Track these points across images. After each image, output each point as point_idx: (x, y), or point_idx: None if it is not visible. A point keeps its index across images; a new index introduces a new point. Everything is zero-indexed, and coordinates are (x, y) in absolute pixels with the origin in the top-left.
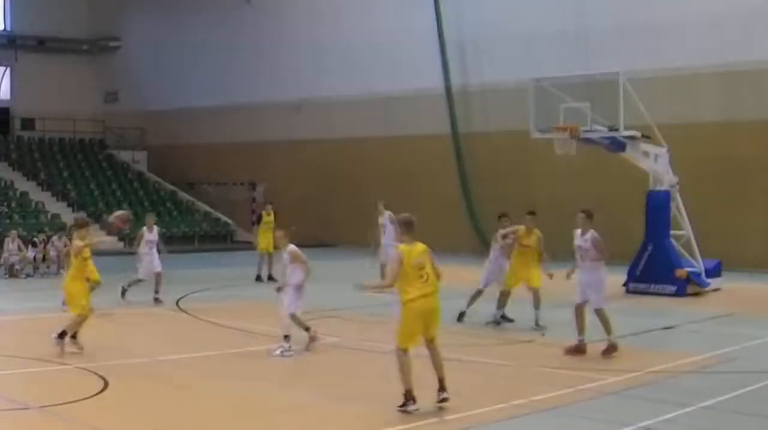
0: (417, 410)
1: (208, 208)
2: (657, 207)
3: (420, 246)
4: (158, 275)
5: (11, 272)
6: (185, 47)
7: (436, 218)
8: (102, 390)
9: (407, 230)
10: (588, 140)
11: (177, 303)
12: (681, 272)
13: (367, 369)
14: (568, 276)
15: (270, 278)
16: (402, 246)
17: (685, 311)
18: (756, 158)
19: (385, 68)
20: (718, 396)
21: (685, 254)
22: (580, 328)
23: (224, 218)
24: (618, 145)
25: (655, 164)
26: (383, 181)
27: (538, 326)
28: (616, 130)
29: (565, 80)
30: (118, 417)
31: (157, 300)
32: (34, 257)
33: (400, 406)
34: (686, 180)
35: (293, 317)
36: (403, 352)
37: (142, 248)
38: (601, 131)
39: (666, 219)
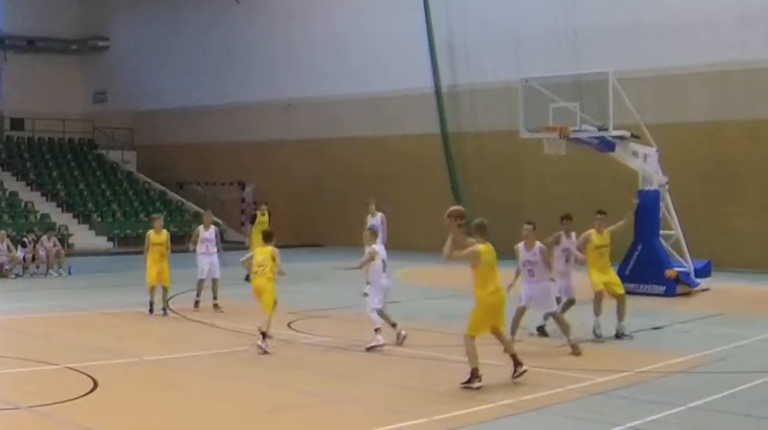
0: (480, 387)
1: (197, 208)
2: (646, 207)
3: (491, 247)
4: (214, 282)
5: (0, 272)
6: (175, 47)
7: (425, 218)
8: (91, 390)
9: (481, 232)
10: (577, 140)
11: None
12: (670, 272)
13: (358, 369)
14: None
15: None
16: (481, 246)
17: (674, 311)
18: (745, 158)
19: (375, 68)
20: (707, 396)
21: (675, 253)
22: (564, 330)
23: (214, 218)
24: (607, 145)
25: (645, 164)
26: (372, 181)
27: (624, 335)
28: (606, 129)
29: (554, 80)
30: (108, 417)
31: (216, 306)
32: (24, 257)
33: (465, 382)
34: (676, 180)
35: (379, 312)
36: (470, 339)
37: (199, 247)
38: (590, 131)
39: (655, 219)
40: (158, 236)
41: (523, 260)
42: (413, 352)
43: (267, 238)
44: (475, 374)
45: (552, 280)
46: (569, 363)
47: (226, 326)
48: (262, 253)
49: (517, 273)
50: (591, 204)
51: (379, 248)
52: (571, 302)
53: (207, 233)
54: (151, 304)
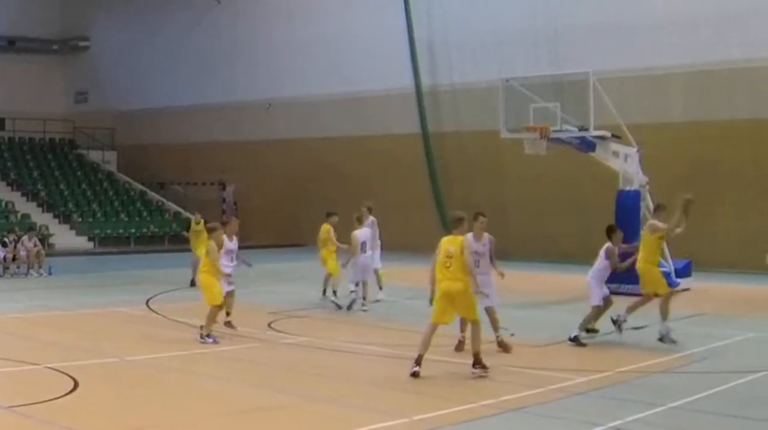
0: (415, 374)
1: (178, 209)
2: (627, 207)
3: (456, 238)
4: (228, 295)
5: None
6: (156, 47)
7: (406, 218)
8: (72, 390)
9: (456, 225)
10: (558, 140)
11: (147, 303)
12: None
13: (338, 369)
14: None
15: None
16: (444, 238)
17: (655, 311)
18: (726, 159)
19: (355, 68)
20: (688, 396)
21: None
22: (494, 326)
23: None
24: (588, 145)
25: (625, 164)
26: (353, 180)
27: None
28: (586, 129)
29: (535, 80)
30: (89, 417)
31: (228, 324)
32: (4, 257)
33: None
34: (656, 180)
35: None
36: (431, 325)
37: (223, 259)
38: (571, 131)
39: (636, 219)
40: (231, 242)
41: (472, 250)
42: (394, 352)
43: (209, 231)
44: (417, 361)
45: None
46: (550, 363)
47: None
48: (202, 251)
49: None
50: (572, 204)
51: (358, 232)
52: None
53: (231, 244)
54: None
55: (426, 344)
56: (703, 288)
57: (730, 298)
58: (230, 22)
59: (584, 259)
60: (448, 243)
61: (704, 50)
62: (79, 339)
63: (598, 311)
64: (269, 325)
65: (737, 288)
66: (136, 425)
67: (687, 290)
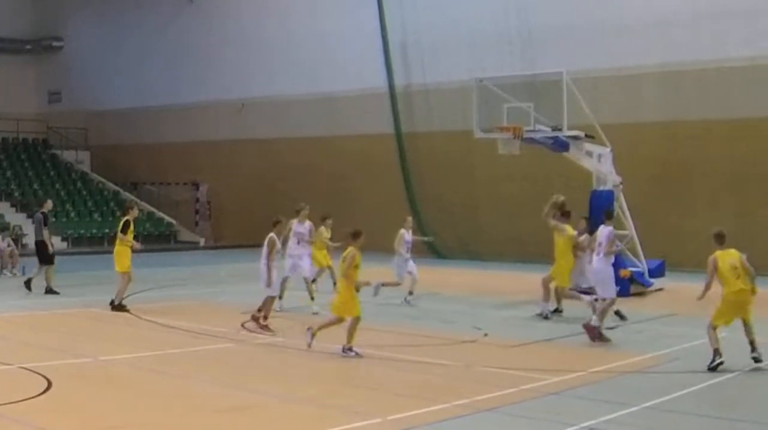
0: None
1: (151, 208)
2: (601, 207)
3: (734, 252)
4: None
5: None
6: (129, 47)
7: (379, 218)
8: (45, 390)
9: (720, 241)
10: (531, 140)
11: (119, 304)
12: (624, 272)
13: (312, 369)
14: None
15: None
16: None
17: (628, 310)
18: (699, 158)
19: (328, 68)
20: (661, 396)
21: (629, 254)
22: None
23: (168, 218)
24: (561, 145)
25: (599, 164)
26: (326, 180)
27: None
28: (560, 129)
29: (508, 80)
30: (63, 417)
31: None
32: None
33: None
34: (629, 180)
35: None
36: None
37: (291, 242)
38: (544, 131)
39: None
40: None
41: (406, 240)
42: (368, 352)
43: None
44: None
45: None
46: (523, 363)
47: (180, 325)
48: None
49: None
50: (545, 204)
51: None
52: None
53: (301, 227)
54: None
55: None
56: (676, 288)
57: (704, 298)
58: (203, 23)
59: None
60: None
61: (677, 50)
62: (53, 339)
63: (611, 301)
64: (242, 325)
65: (711, 289)
66: (110, 425)
67: (660, 289)
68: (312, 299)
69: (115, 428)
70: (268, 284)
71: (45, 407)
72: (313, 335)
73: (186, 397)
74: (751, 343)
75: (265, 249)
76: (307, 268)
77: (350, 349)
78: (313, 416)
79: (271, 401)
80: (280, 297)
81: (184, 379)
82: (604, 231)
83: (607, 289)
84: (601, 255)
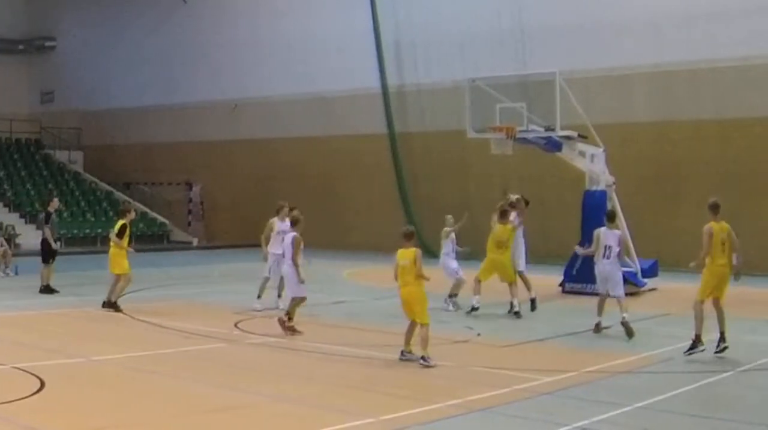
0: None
1: (144, 208)
2: (593, 207)
3: (725, 226)
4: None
5: None
6: (122, 47)
7: (372, 218)
8: (38, 390)
9: (715, 212)
10: (524, 140)
11: (111, 303)
12: None
13: (304, 369)
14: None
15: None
16: (713, 223)
17: (615, 311)
18: (691, 158)
19: (321, 68)
20: (654, 396)
21: (622, 254)
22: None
23: (160, 218)
24: (554, 145)
25: (592, 164)
26: (319, 181)
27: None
28: (552, 130)
29: (501, 80)
30: (56, 417)
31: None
32: None
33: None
34: (622, 180)
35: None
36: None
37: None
38: (537, 131)
39: (602, 219)
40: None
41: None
42: (359, 352)
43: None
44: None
45: None
46: (516, 363)
47: (172, 325)
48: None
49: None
50: (538, 204)
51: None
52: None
53: (283, 225)
54: None
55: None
56: (669, 288)
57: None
58: (196, 23)
59: (550, 259)
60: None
61: (669, 50)
62: (46, 339)
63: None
64: (236, 325)
65: None
66: (102, 425)
67: (653, 289)
68: (259, 297)
69: (108, 428)
70: (301, 283)
71: (38, 407)
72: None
73: (178, 397)
74: (721, 334)
75: (290, 249)
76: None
77: (422, 358)
78: (306, 416)
79: (264, 401)
80: (259, 296)
81: (177, 379)
82: (611, 235)
83: (619, 288)
84: (613, 258)
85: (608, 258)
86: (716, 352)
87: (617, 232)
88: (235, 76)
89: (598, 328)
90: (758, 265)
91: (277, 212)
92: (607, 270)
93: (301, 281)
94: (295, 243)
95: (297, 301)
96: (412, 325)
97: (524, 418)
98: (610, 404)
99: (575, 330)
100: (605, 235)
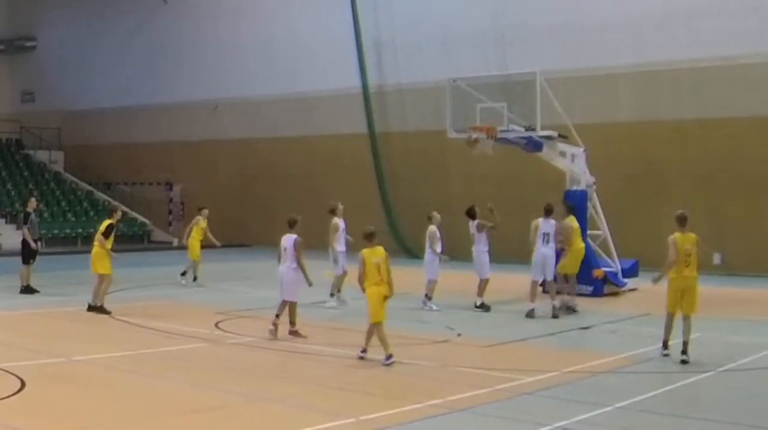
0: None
1: (125, 208)
2: (574, 207)
3: (693, 237)
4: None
5: None
6: (103, 47)
7: (353, 218)
8: (19, 390)
9: (682, 224)
10: (505, 140)
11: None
12: (598, 272)
13: (285, 369)
14: None
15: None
16: (678, 234)
17: (601, 311)
18: (672, 158)
19: (302, 68)
20: (635, 396)
21: (602, 254)
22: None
23: (141, 218)
24: (535, 145)
25: (572, 164)
26: (300, 180)
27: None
28: (533, 129)
29: (482, 80)
30: (36, 417)
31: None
32: None
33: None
34: (603, 180)
35: None
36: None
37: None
38: (518, 131)
39: (583, 219)
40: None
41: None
42: (341, 352)
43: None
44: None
45: None
46: (497, 363)
47: (154, 325)
48: None
49: None
50: (518, 204)
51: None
52: None
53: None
54: None
55: None
56: (649, 288)
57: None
58: (177, 23)
59: (529, 259)
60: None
61: (650, 50)
62: (27, 339)
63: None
64: (216, 325)
65: None
66: (83, 425)
67: (634, 290)
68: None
69: (89, 428)
70: (309, 285)
71: (18, 408)
72: None
73: (159, 397)
74: (684, 344)
75: (291, 252)
76: None
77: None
78: (286, 416)
79: (243, 401)
80: (339, 291)
81: (158, 379)
82: (547, 224)
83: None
84: (551, 245)
85: (547, 243)
86: (681, 361)
87: (553, 221)
88: (216, 76)
89: (531, 313)
90: (739, 265)
91: (333, 212)
92: (549, 255)
93: (310, 284)
94: (297, 245)
95: (294, 305)
96: (374, 328)
97: (505, 418)
98: (591, 404)
99: (556, 330)
100: (543, 224)
